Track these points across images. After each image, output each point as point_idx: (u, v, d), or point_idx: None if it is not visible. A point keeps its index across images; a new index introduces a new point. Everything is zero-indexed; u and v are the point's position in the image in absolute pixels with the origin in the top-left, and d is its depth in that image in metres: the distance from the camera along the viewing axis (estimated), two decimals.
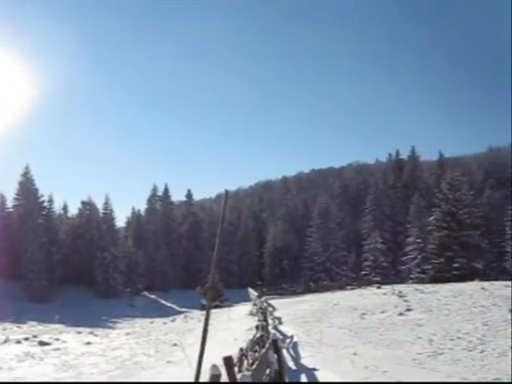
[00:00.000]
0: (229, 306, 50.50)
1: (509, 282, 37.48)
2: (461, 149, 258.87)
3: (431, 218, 59.25)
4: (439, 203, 58.25)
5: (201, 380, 5.55)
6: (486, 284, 36.90)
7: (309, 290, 54.62)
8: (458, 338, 16.85)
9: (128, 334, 30.34)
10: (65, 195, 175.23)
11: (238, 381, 5.72)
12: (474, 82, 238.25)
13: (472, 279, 45.28)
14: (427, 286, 42.56)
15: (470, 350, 14.52)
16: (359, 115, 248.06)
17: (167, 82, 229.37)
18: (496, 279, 46.04)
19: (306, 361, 14.54)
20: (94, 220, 74.43)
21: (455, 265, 52.90)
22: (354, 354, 15.07)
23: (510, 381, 11.79)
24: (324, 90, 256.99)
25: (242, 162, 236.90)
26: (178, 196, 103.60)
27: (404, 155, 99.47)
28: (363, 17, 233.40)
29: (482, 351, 14.28)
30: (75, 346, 22.90)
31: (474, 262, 53.37)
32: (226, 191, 6.36)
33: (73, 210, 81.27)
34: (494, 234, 66.00)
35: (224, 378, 5.73)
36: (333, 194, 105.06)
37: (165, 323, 39.70)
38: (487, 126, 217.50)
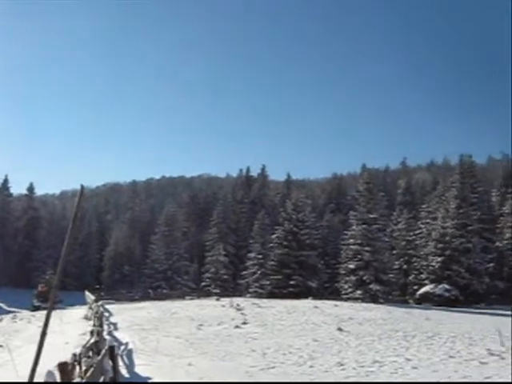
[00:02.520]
0: (62, 309, 48.34)
1: (338, 302, 39.75)
2: (307, 173, 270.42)
3: (274, 235, 61.14)
4: (283, 222, 60.33)
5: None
6: (318, 302, 38.75)
7: (148, 298, 53.94)
8: (290, 352, 17.47)
9: None
10: None
11: None
12: (326, 111, 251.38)
13: (306, 297, 47.38)
14: (264, 300, 43.85)
15: (301, 365, 15.11)
16: (214, 128, 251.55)
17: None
18: (328, 298, 48.62)
19: (139, 369, 14.27)
20: None
21: (292, 282, 54.98)
22: (189, 364, 15.06)
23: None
24: (182, 100, 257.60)
25: (90, 162, 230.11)
26: (20, 189, 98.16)
27: (254, 172, 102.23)
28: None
29: (311, 366, 14.91)
30: None
31: (310, 281, 55.81)
32: (82, 187, 6.08)
33: None
34: (329, 255, 69.49)
35: None
36: (181, 203, 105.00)
37: None
38: (333, 153, 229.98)
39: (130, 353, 17.14)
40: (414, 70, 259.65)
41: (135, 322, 28.41)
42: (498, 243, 60.96)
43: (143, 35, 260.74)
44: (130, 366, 14.77)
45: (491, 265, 57.02)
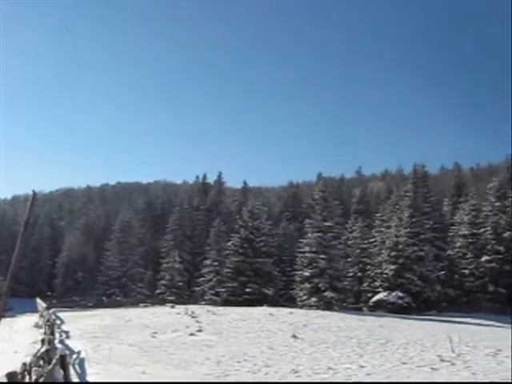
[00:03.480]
0: (13, 316, 47.13)
1: (293, 309, 39.89)
2: (264, 180, 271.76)
3: (230, 242, 61.05)
4: (239, 229, 60.28)
5: None
6: (273, 310, 38.80)
7: (101, 305, 53.06)
8: (245, 360, 17.44)
9: None
10: None
11: None
12: (282, 119, 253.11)
13: (262, 304, 47.40)
14: (219, 308, 43.69)
15: (255, 373, 15.10)
16: (170, 134, 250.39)
17: None
18: (283, 306, 48.76)
19: (91, 378, 14.04)
20: None
21: (247, 289, 54.95)
22: (143, 372, 14.89)
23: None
24: (137, 104, 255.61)
25: (43, 167, 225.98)
26: None
27: (211, 179, 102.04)
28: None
29: (265, 374, 14.92)
30: None
31: (265, 288, 55.87)
32: (34, 192, 5.95)
33: None
34: (285, 263, 69.76)
35: None
36: (137, 209, 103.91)
37: None
38: (289, 162, 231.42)
39: (82, 361, 16.84)
40: (371, 80, 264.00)
41: (88, 329, 27.93)
42: (449, 251, 62.27)
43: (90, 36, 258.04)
44: (82, 375, 14.51)
45: (442, 273, 58.17)
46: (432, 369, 15.68)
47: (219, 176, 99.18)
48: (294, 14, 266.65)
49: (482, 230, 60.21)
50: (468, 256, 59.79)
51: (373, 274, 59.12)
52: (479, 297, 57.23)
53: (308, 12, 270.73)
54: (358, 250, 65.76)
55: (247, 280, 55.89)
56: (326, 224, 53.35)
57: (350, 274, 61.41)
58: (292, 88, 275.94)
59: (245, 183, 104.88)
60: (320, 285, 50.59)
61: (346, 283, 54.38)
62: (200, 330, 26.41)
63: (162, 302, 54.89)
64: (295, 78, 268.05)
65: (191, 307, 41.44)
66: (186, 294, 70.80)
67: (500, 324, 41.66)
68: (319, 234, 52.71)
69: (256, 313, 36.11)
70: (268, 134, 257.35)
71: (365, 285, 60.80)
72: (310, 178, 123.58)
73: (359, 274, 63.88)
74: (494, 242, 58.57)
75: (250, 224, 59.79)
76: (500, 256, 57.58)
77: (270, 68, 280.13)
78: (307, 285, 52.00)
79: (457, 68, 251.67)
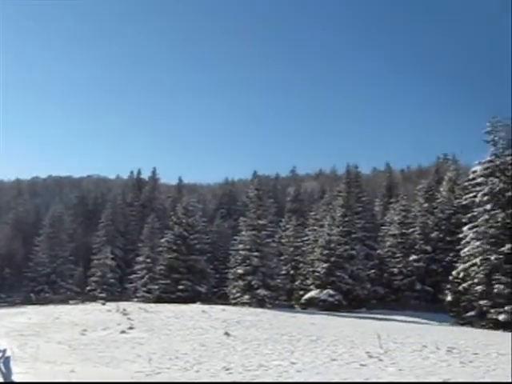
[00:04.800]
0: None
1: (225, 307, 40.00)
2: (199, 177, 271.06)
3: (163, 239, 60.51)
4: (173, 226, 59.82)
5: None
6: (206, 307, 38.79)
7: (29, 302, 51.68)
8: (176, 357, 17.36)
9: None
10: None
11: None
12: (219, 116, 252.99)
13: (194, 302, 47.28)
14: (152, 305, 43.33)
15: (187, 370, 15.06)
16: (103, 128, 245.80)
17: None
18: (216, 303, 48.82)
19: (17, 377, 13.64)
20: None
21: (180, 287, 54.64)
22: (72, 371, 14.59)
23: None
24: (69, 97, 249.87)
25: None
26: None
27: (145, 175, 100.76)
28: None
29: (197, 371, 14.91)
30: None
31: (198, 286, 55.72)
32: None
33: None
34: (219, 260, 69.81)
35: None
36: (68, 204, 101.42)
37: None
38: (225, 159, 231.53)
39: (7, 360, 16.31)
40: (305, 78, 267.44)
41: (14, 327, 27.12)
42: (379, 251, 63.84)
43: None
44: (7, 374, 14.08)
45: (372, 271, 59.60)
46: (360, 365, 16.05)
47: (154, 172, 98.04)
48: None
49: (410, 230, 62.00)
50: (397, 255, 61.48)
51: (305, 272, 59.89)
52: (407, 295, 58.95)
53: None
54: (291, 249, 66.51)
55: (180, 277, 55.58)
56: (260, 222, 53.70)
57: (283, 272, 62.00)
58: (227, 84, 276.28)
59: (180, 180, 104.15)
60: (253, 282, 50.88)
61: (278, 281, 54.85)
62: (131, 328, 26.10)
63: (93, 299, 53.98)
64: (234, 74, 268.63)
65: (123, 304, 40.93)
66: (117, 291, 69.79)
67: (426, 321, 43.06)
68: (253, 232, 53.01)
69: (189, 310, 35.99)
70: (203, 130, 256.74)
71: (297, 283, 61.55)
72: (246, 176, 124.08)
73: (292, 271, 64.63)
74: (421, 241, 60.39)
75: (184, 221, 59.46)
76: (427, 255, 59.44)
77: (202, 63, 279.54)
78: (240, 282, 52.21)
79: (388, 67, 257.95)
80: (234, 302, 51.60)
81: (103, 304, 42.97)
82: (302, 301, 55.91)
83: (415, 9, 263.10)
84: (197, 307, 39.00)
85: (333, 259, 54.65)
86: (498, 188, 38.12)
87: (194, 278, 56.44)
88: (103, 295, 64.43)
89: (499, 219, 37.20)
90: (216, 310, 37.31)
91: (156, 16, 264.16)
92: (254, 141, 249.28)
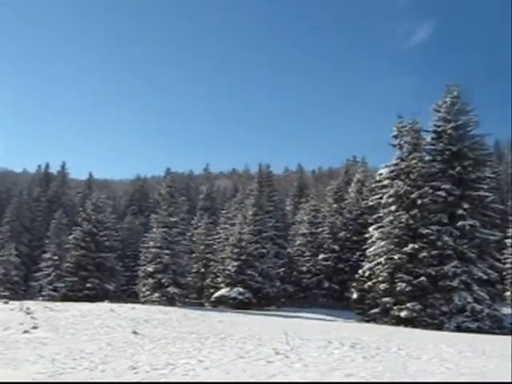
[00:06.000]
0: None
1: (135, 305, 39.48)
2: (111, 173, 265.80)
3: (71, 236, 58.92)
4: (81, 222, 58.36)
5: None
6: (114, 305, 38.07)
7: None
8: (81, 357, 16.98)
9: None
10: None
11: None
12: (132, 112, 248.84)
13: (103, 300, 46.36)
14: (58, 304, 42.01)
15: (92, 370, 14.77)
16: (9, 119, 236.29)
17: None
18: (125, 301, 48.10)
19: None
20: None
21: (88, 285, 53.40)
22: None
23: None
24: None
25: None
26: None
27: (54, 169, 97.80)
28: None
29: (102, 371, 14.65)
30: None
31: (107, 284, 54.68)
32: None
33: None
34: (129, 258, 68.90)
35: None
36: None
37: None
38: (138, 155, 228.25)
39: None
40: (219, 78, 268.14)
41: None
42: (289, 249, 65.07)
43: None
44: None
45: (282, 269, 60.66)
46: (267, 362, 16.29)
47: (63, 166, 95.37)
48: None
49: (319, 230, 63.62)
50: (306, 254, 62.93)
51: (216, 270, 60.17)
52: (315, 293, 60.50)
53: None
54: (203, 246, 66.61)
55: (88, 275, 54.32)
56: (172, 219, 53.37)
57: (194, 270, 62.03)
58: (139, 80, 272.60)
59: (90, 175, 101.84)
60: (163, 280, 50.50)
61: (189, 279, 54.80)
62: (35, 327, 25.23)
63: None
64: (153, 72, 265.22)
65: (27, 303, 39.43)
66: (21, 289, 67.36)
67: (332, 318, 44.30)
68: (164, 230, 52.61)
69: (96, 309, 35.21)
70: (116, 125, 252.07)
71: (208, 280, 61.73)
72: (159, 173, 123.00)
73: (203, 269, 64.74)
74: (330, 241, 62.12)
75: (93, 217, 58.12)
76: (335, 254, 61.22)
77: (118, 58, 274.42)
78: (150, 280, 51.67)
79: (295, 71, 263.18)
80: (143, 300, 51.01)
81: (6, 303, 41.19)
82: (213, 299, 56.13)
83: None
84: (105, 306, 38.20)
85: (243, 257, 55.19)
86: (402, 190, 39.75)
87: (103, 275, 55.33)
88: (6, 294, 61.94)
89: (403, 220, 38.79)
90: (125, 308, 36.71)
91: None
92: (169, 138, 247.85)
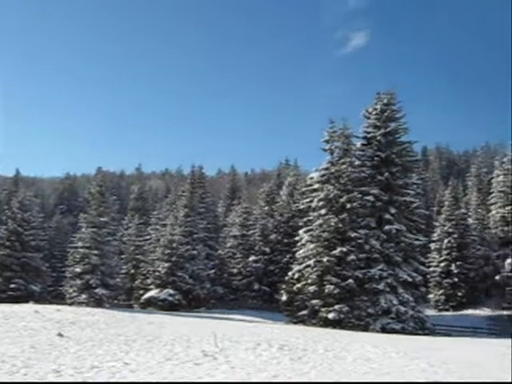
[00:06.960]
0: None
1: (61, 307, 38.59)
2: (39, 170, 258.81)
3: None
4: (6, 221, 56.61)
5: None
6: (39, 307, 37.07)
7: None
8: (3, 361, 16.47)
9: None
10: None
11: None
12: (69, 109, 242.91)
13: (27, 301, 45.05)
14: None
15: (13, 373, 14.36)
16: None
17: None
18: (51, 303, 46.89)
19: None
20: None
21: (12, 285, 51.90)
22: None
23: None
24: None
25: None
26: None
27: None
28: None
29: (24, 374, 14.28)
30: None
31: (32, 285, 53.26)
32: None
33: None
34: (56, 258, 67.26)
35: None
36: None
37: None
38: (67, 153, 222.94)
39: None
40: (156, 78, 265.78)
41: None
42: (220, 251, 65.16)
43: None
44: None
45: (213, 271, 60.67)
46: (195, 364, 16.28)
47: None
48: None
49: (251, 232, 64.00)
50: (237, 256, 63.20)
51: (146, 271, 59.52)
52: (245, 294, 60.83)
53: None
54: (133, 247, 65.80)
55: (13, 275, 52.74)
56: (102, 219, 52.48)
57: (124, 271, 61.19)
58: (70, 76, 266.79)
59: (17, 172, 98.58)
60: (91, 281, 49.58)
61: (118, 280, 54.00)
62: None
63: None
64: (71, 63, 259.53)
65: None
66: None
67: (262, 320, 44.59)
68: (93, 230, 51.67)
69: (20, 310, 34.17)
70: (46, 122, 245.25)
71: (137, 282, 60.96)
72: (90, 172, 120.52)
73: (132, 270, 63.93)
74: (261, 243, 62.61)
75: (19, 216, 56.44)
76: (266, 256, 61.76)
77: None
78: (78, 281, 50.63)
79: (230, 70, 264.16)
80: (70, 301, 49.91)
81: None
82: (142, 300, 55.50)
83: None
84: (29, 307, 37.12)
85: (174, 259, 54.89)
86: (332, 194, 40.51)
87: (28, 276, 53.83)
88: None
89: (332, 224, 39.52)
90: (50, 309, 35.80)
91: None
92: (100, 136, 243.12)
